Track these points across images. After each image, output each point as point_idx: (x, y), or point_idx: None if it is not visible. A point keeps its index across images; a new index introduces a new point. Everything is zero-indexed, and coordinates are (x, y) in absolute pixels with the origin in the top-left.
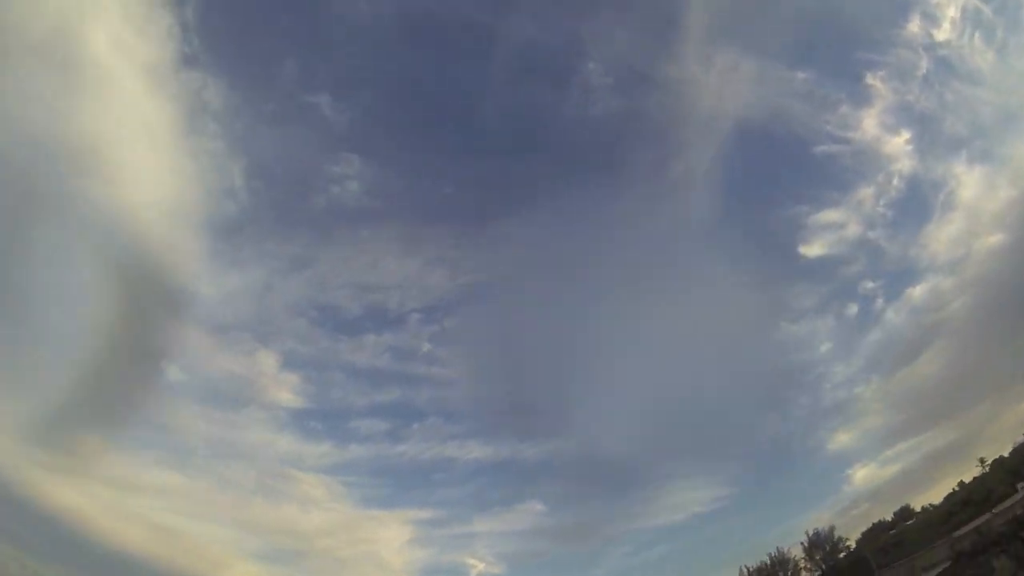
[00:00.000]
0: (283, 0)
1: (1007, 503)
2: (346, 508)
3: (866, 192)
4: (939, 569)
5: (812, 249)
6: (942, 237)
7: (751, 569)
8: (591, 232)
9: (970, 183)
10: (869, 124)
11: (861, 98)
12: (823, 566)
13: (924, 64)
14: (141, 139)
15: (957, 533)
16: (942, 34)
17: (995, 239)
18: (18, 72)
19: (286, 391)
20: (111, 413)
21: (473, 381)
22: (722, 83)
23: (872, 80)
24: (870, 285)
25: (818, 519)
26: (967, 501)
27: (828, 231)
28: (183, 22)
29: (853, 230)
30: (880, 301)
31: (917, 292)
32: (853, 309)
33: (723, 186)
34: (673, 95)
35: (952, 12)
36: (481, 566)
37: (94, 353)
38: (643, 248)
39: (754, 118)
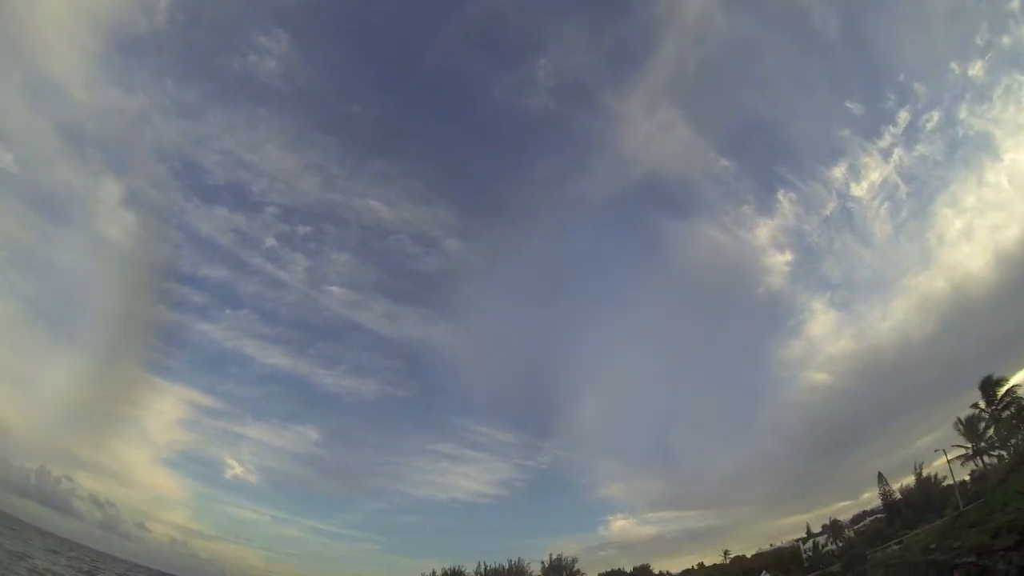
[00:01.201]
0: None
1: None
2: (129, 364)
3: (731, 286)
4: None
5: None
6: (778, 356)
7: (488, 568)
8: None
9: (822, 322)
10: (762, 233)
11: (765, 208)
12: None
13: (831, 207)
14: None
15: None
16: (858, 190)
17: (822, 377)
18: None
19: (118, 227)
20: None
21: (304, 292)
22: (653, 134)
23: (783, 198)
24: None
25: (565, 547)
26: None
27: None
28: None
29: None
30: None
31: None
32: None
33: (616, 220)
34: (607, 123)
35: (875, 176)
36: (239, 469)
37: None
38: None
39: (667, 179)
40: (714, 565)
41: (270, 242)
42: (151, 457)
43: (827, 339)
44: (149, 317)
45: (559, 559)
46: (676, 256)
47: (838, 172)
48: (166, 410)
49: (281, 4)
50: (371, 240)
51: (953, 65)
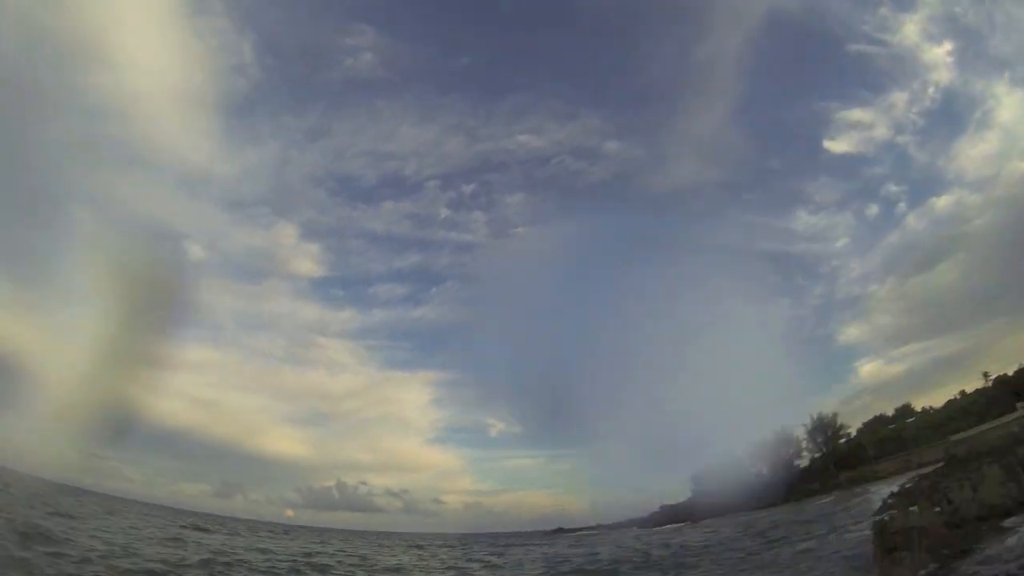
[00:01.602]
0: None
1: (1005, 419)
2: (370, 371)
3: (899, 97)
4: (932, 468)
5: (837, 145)
6: (973, 153)
7: (756, 445)
8: (612, 106)
9: (1010, 105)
10: (910, 30)
11: (904, 3)
12: (823, 449)
13: None
14: (144, 24)
15: (954, 438)
16: None
17: None
18: None
19: (307, 261)
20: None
21: (492, 245)
22: None
23: None
24: (893, 188)
25: (821, 406)
26: (966, 411)
27: (855, 130)
28: None
29: (881, 132)
30: (902, 205)
31: (941, 203)
32: (874, 209)
33: (751, 72)
34: None
35: None
36: (501, 425)
37: (114, 243)
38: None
39: (789, 8)
40: (976, 390)
41: (444, 213)
42: (421, 441)
43: (1022, 121)
44: (365, 324)
45: (819, 419)
46: None
47: None
48: (416, 397)
49: (350, 4)
50: (535, 171)
51: None
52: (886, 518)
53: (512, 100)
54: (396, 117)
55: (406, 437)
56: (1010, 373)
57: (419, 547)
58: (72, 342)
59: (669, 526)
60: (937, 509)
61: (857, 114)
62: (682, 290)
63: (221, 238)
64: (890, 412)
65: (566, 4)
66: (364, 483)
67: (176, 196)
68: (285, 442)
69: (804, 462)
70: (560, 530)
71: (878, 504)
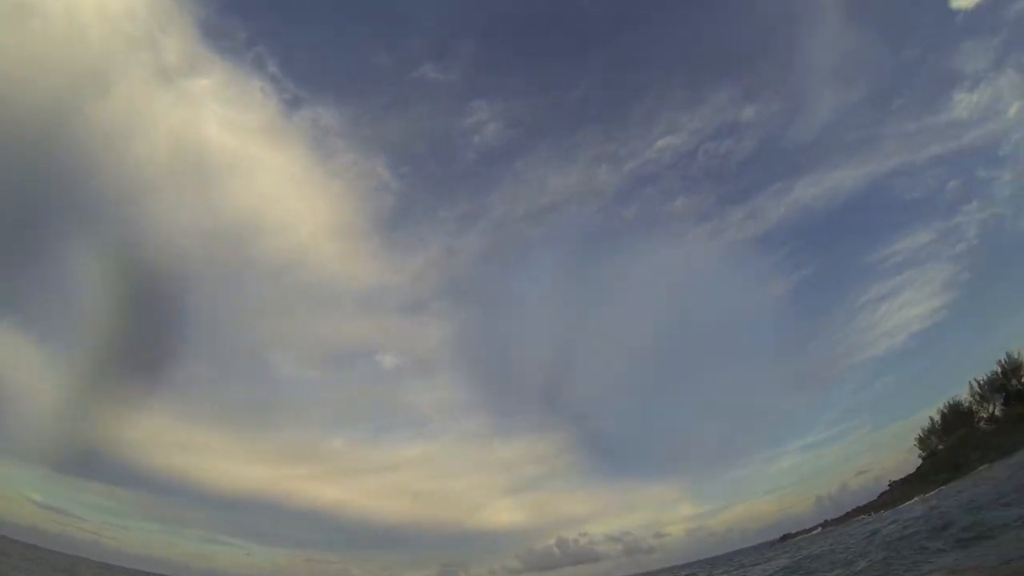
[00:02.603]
0: (343, 6)
1: None
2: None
3: None
4: None
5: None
6: None
7: (981, 383)
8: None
9: None
10: None
11: None
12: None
13: None
14: (283, 186)
15: None
16: None
17: None
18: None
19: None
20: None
21: None
22: None
23: None
24: None
25: None
26: None
27: None
28: (270, 77)
29: None
30: None
31: None
32: None
33: None
34: None
35: None
36: None
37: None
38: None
39: None
40: None
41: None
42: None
43: None
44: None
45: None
46: None
47: None
48: None
49: (458, 84)
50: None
51: None
52: None
53: (638, 108)
54: (540, 169)
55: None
56: None
57: None
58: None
59: (898, 508)
60: None
61: None
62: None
63: (407, 340)
64: None
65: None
66: (584, 534)
67: (359, 317)
68: (503, 513)
69: None
70: (787, 536)
71: None
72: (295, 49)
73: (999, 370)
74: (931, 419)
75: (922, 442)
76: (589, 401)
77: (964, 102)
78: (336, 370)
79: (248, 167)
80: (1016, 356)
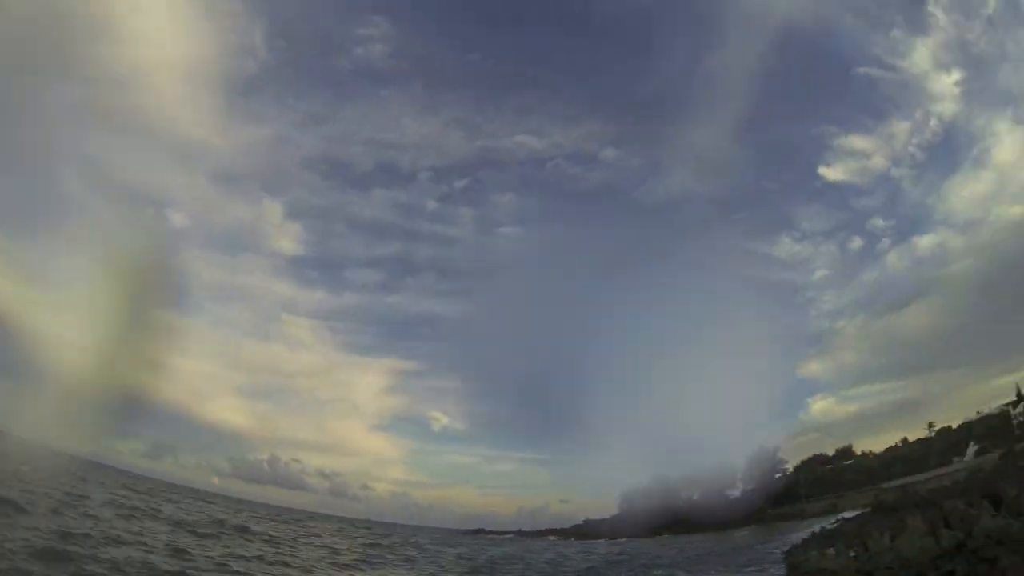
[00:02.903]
0: None
1: (939, 471)
2: (331, 352)
3: (901, 127)
4: (857, 513)
5: (832, 172)
6: (964, 193)
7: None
8: (613, 113)
9: (1009, 143)
10: (920, 55)
11: (917, 26)
12: (759, 482)
13: (992, 3)
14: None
15: (886, 485)
16: None
17: (1018, 210)
18: None
19: (288, 240)
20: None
21: (475, 241)
22: None
23: (934, 8)
24: (880, 223)
25: (765, 438)
26: (904, 459)
27: (852, 158)
28: None
29: (878, 163)
30: (886, 241)
31: (924, 242)
32: (857, 243)
33: (754, 88)
34: None
35: None
36: (445, 420)
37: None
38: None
39: (800, 25)
40: (918, 440)
41: (431, 205)
42: (365, 427)
43: (1020, 164)
44: (336, 306)
45: (760, 451)
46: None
47: None
48: (371, 383)
49: None
50: (530, 173)
51: None
52: (801, 557)
53: (516, 99)
54: (399, 108)
55: (352, 421)
56: (954, 426)
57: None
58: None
59: (586, 541)
60: (852, 554)
61: (856, 141)
62: (659, 305)
63: (206, 209)
64: (831, 452)
65: (578, 6)
66: (298, 460)
67: (166, 165)
68: (229, 412)
69: (737, 492)
70: (481, 531)
71: (797, 541)
72: None
73: (709, 467)
74: (641, 481)
75: (625, 497)
76: None
77: (787, 248)
78: (120, 207)
79: None
80: (723, 461)
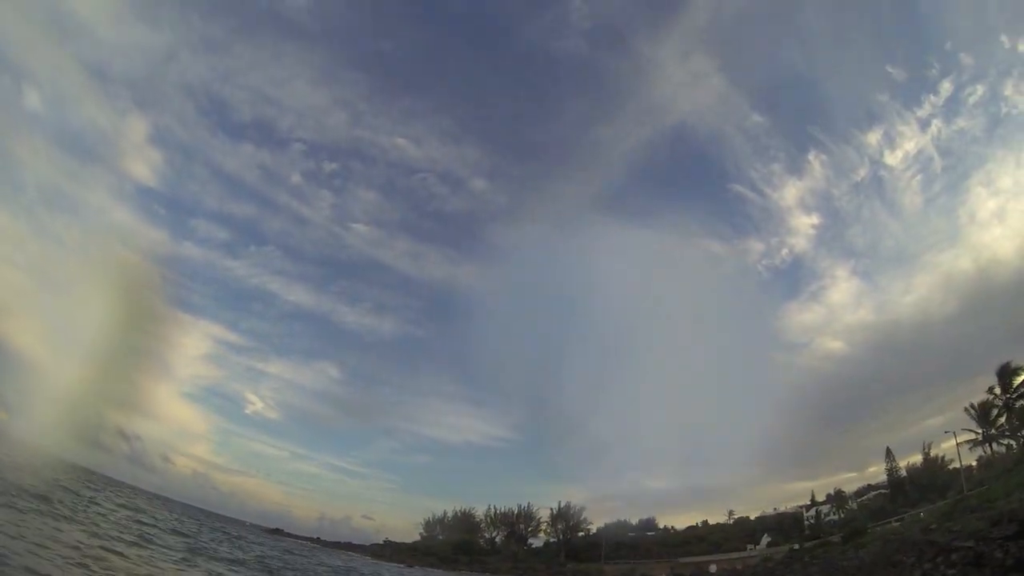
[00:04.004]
0: None
1: (733, 555)
2: (155, 299)
3: (755, 246)
4: None
5: None
6: (796, 320)
7: (498, 511)
8: (495, 148)
9: (842, 289)
10: (790, 193)
11: (795, 167)
12: (561, 536)
13: (863, 172)
14: None
15: (682, 559)
16: (892, 159)
17: (838, 345)
18: None
19: (143, 164)
20: None
21: (328, 229)
22: (685, 82)
23: (813, 159)
24: None
25: (573, 495)
26: (703, 539)
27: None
28: None
29: (727, 270)
30: None
31: None
32: None
33: (632, 169)
34: (639, 68)
35: (910, 146)
36: (259, 405)
37: None
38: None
39: (697, 128)
40: (717, 524)
41: (296, 179)
42: (175, 391)
43: (846, 307)
44: (174, 253)
45: (567, 506)
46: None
47: (872, 138)
48: (190, 345)
49: None
50: (397, 178)
51: (1003, 38)
52: None
53: (408, 100)
54: (297, 68)
55: (163, 382)
56: (752, 517)
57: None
58: None
59: (384, 563)
60: None
61: (712, 246)
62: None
63: (66, 100)
64: (635, 520)
65: (504, 35)
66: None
67: (39, 34)
68: (33, 336)
69: (539, 542)
70: (279, 531)
71: None
72: None
73: (516, 510)
74: (444, 512)
75: (428, 525)
76: None
77: None
78: None
79: None
80: (530, 508)
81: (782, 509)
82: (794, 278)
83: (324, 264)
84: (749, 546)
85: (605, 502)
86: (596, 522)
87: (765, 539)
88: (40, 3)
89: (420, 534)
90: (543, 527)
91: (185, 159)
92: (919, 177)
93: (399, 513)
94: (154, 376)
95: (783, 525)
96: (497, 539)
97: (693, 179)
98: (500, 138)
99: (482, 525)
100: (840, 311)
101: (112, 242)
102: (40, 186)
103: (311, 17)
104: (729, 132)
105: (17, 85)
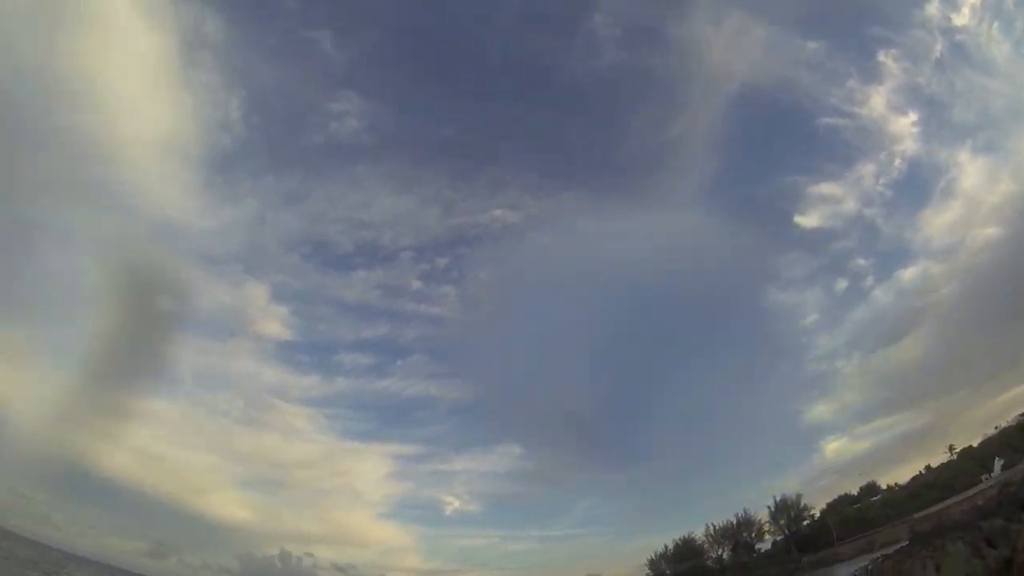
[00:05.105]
0: None
1: (970, 492)
2: (328, 440)
3: (867, 169)
4: (897, 547)
5: (807, 220)
6: (938, 223)
7: (717, 527)
8: (588, 184)
9: (972, 172)
10: (876, 102)
11: (871, 75)
12: (786, 531)
13: (938, 47)
14: (136, 72)
15: (918, 515)
16: (960, 19)
17: (991, 231)
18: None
19: (275, 323)
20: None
21: (462, 319)
22: (730, 45)
23: (884, 58)
24: (861, 262)
25: (785, 486)
26: (932, 485)
27: (825, 204)
28: None
29: (850, 205)
30: (870, 279)
31: (907, 274)
32: (842, 284)
33: (722, 148)
34: (679, 53)
35: None
36: (457, 503)
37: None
38: (638, 206)
39: (760, 84)
40: (941, 464)
41: (415, 284)
42: (372, 515)
43: (984, 189)
44: (328, 392)
45: (783, 499)
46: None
47: (931, 9)
48: (372, 470)
49: (339, 68)
50: (510, 248)
51: None
52: None
53: (489, 173)
54: (375, 185)
55: (357, 510)
56: (975, 444)
57: None
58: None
59: None
60: None
61: (827, 188)
62: (653, 373)
63: (190, 292)
64: (855, 491)
65: (544, 79)
66: (310, 555)
67: (150, 245)
68: (232, 506)
69: (766, 545)
70: None
71: None
72: None
73: (734, 521)
74: (665, 546)
75: (652, 564)
76: None
77: (773, 298)
78: (103, 287)
79: (111, 30)
80: (747, 514)
81: (1003, 424)
82: (918, 183)
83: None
84: (983, 477)
85: (818, 482)
86: (816, 505)
87: (998, 463)
88: (140, 212)
89: (647, 574)
90: (766, 528)
91: (308, 304)
92: (996, 24)
93: (621, 561)
94: (348, 508)
95: (1011, 441)
96: (724, 555)
97: (779, 130)
98: (588, 173)
99: (704, 546)
100: (980, 195)
101: (270, 399)
102: (194, 369)
103: (369, 133)
104: (792, 73)
105: (150, 295)
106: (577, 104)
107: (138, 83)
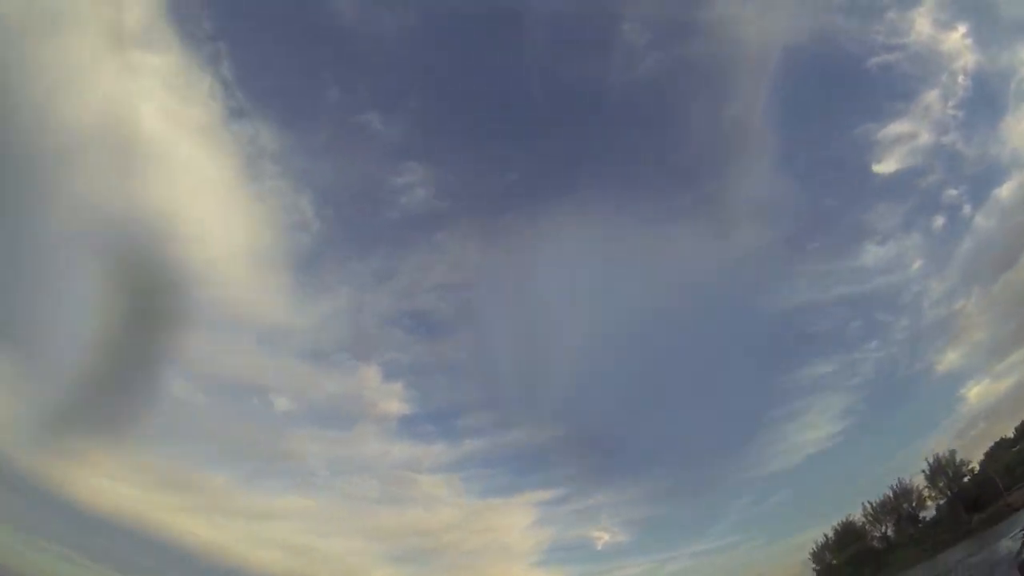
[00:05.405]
0: (308, 33)
1: None
2: (467, 501)
3: (931, 96)
4: None
5: (886, 166)
6: (1022, 129)
7: (874, 504)
8: (657, 192)
9: None
10: (921, 25)
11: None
12: (948, 492)
13: None
14: (206, 195)
15: None
16: None
17: None
18: (82, 164)
19: (393, 401)
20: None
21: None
22: (761, 15)
23: None
24: (953, 193)
25: (937, 444)
26: None
27: (899, 144)
28: (222, 79)
29: (925, 139)
30: (967, 208)
31: (1005, 191)
32: (939, 221)
33: (781, 121)
34: (714, 39)
35: None
36: (606, 536)
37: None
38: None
39: (800, 44)
40: None
41: None
42: (526, 566)
43: None
44: (458, 456)
45: (936, 460)
46: None
47: None
48: (518, 521)
49: (394, 142)
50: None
51: None
52: None
53: (558, 208)
54: (458, 245)
55: (511, 564)
56: None
57: None
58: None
59: None
60: None
61: (896, 127)
62: (779, 359)
63: (305, 387)
64: (1010, 433)
65: (591, 101)
66: None
67: (258, 352)
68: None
69: (930, 512)
70: None
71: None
72: (253, 57)
73: (891, 494)
74: (825, 535)
75: (816, 556)
76: None
77: (873, 253)
78: (227, 401)
79: (177, 163)
80: (906, 483)
81: None
82: (988, 95)
83: None
84: None
85: (969, 432)
86: (974, 458)
87: None
88: (243, 324)
89: (814, 569)
90: (926, 494)
91: (420, 376)
92: None
93: (782, 561)
94: (500, 564)
95: None
96: (888, 532)
97: (833, 85)
98: (654, 180)
99: (866, 527)
100: None
101: (403, 474)
102: (324, 460)
103: (439, 198)
104: (828, 23)
105: (265, 399)
106: (629, 117)
107: (211, 205)
